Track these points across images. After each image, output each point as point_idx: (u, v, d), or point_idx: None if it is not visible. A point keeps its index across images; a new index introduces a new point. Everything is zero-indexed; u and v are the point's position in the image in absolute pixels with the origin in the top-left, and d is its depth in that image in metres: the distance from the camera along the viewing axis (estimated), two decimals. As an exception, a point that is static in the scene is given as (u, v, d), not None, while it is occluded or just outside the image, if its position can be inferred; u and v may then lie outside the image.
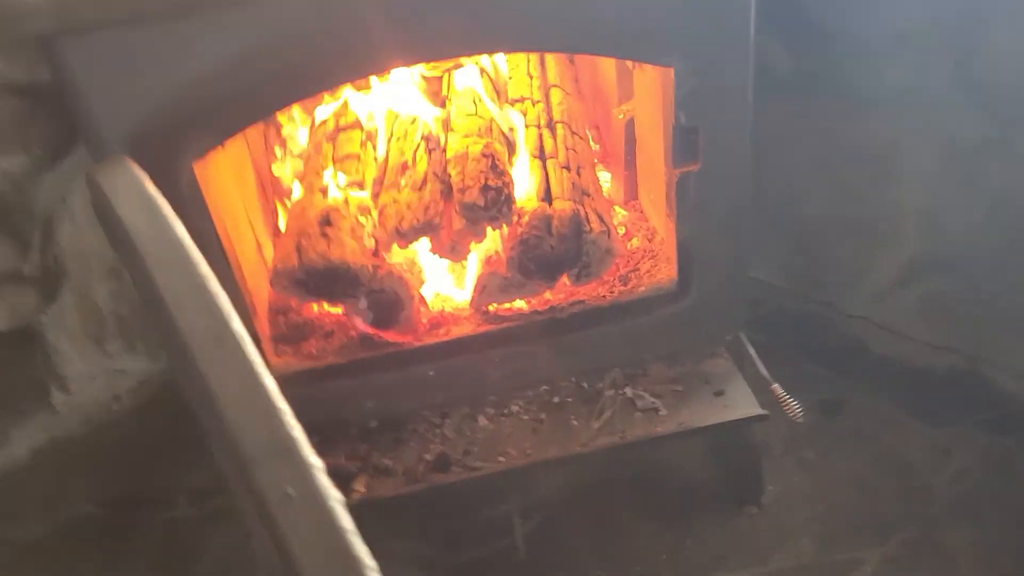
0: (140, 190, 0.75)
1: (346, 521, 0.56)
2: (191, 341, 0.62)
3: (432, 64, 1.50)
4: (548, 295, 1.48)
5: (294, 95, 1.17)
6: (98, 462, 1.85)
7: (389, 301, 1.42)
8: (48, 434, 1.81)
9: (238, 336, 0.62)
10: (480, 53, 1.41)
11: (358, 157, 1.56)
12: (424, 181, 1.40)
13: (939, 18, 1.58)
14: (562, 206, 1.40)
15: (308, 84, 1.14)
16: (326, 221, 1.40)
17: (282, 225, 1.65)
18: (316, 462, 0.58)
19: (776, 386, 1.47)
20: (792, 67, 1.78)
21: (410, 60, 1.23)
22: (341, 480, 1.38)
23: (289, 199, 1.67)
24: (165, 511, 1.78)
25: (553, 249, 1.39)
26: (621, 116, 1.58)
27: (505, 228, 1.41)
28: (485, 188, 1.35)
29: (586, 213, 1.41)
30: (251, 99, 1.11)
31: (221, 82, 1.08)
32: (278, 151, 1.82)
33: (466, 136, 1.45)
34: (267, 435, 0.57)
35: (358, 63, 1.15)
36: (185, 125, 1.10)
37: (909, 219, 1.78)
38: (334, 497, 0.57)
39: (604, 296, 1.48)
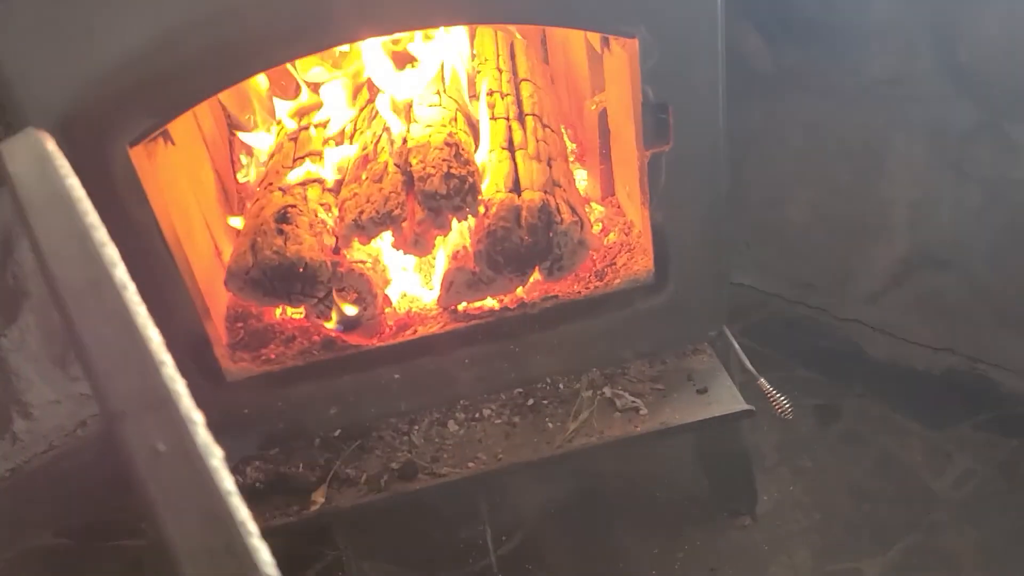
0: (36, 147, 0.68)
1: (227, 482, 0.48)
2: (63, 289, 0.54)
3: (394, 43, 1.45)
4: (520, 291, 1.40)
5: (233, 75, 1.10)
6: (62, 491, 1.77)
7: (351, 300, 1.35)
8: (9, 462, 1.74)
9: (118, 284, 0.55)
10: (431, 26, 1.35)
11: (320, 154, 1.49)
12: (384, 172, 1.33)
13: (921, 4, 1.52)
14: (531, 196, 1.33)
15: (247, 63, 1.08)
16: (283, 218, 1.33)
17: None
18: (197, 417, 0.50)
19: (763, 381, 1.40)
20: (773, 63, 1.74)
21: (354, 36, 1.16)
22: (299, 491, 1.30)
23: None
24: (131, 540, 1.71)
25: (523, 241, 1.31)
26: (593, 107, 1.52)
27: (471, 220, 1.34)
28: (448, 176, 1.27)
29: (557, 204, 1.34)
30: (185, 78, 1.05)
31: (152, 60, 1.02)
32: (244, 159, 1.77)
33: (429, 126, 1.38)
34: (138, 386, 0.49)
35: (300, 39, 1.08)
36: (116, 105, 1.04)
37: (900, 214, 1.73)
38: (215, 455, 0.49)
39: (579, 291, 1.40)
